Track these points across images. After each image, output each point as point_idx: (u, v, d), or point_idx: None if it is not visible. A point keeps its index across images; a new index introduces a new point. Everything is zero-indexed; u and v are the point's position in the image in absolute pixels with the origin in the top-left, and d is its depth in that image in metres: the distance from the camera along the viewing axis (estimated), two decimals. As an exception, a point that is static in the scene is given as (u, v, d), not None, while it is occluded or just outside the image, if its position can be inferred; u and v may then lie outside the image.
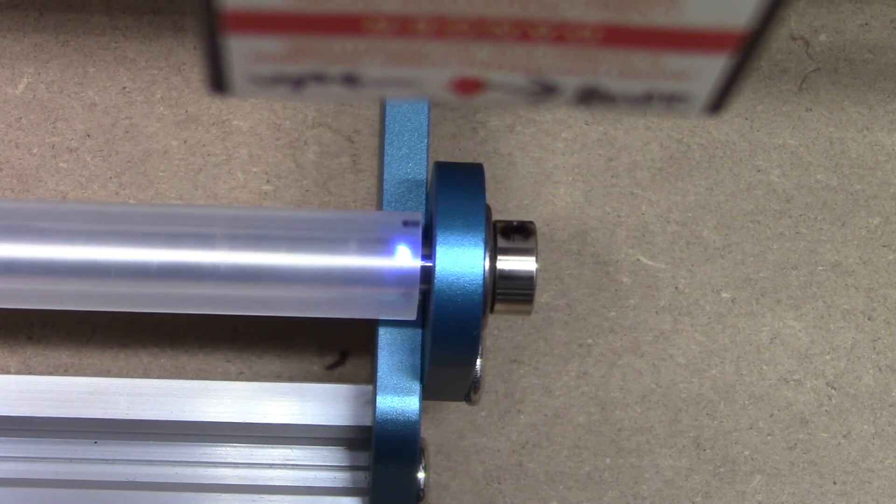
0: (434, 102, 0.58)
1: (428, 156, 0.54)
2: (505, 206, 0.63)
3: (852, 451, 0.62)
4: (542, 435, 0.61)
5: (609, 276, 0.63)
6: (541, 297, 0.62)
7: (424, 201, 0.53)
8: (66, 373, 0.60)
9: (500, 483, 0.61)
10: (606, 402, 0.62)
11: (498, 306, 0.50)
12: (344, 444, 0.57)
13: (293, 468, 0.57)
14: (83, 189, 0.62)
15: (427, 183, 0.53)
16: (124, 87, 0.63)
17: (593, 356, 0.62)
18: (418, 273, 0.50)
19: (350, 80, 0.32)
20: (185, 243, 0.50)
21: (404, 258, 0.50)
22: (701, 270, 0.63)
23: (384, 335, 0.52)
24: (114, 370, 0.61)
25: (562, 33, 0.30)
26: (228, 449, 0.57)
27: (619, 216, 0.63)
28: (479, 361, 0.52)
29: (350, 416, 0.55)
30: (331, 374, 0.61)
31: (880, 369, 0.63)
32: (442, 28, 0.30)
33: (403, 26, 0.30)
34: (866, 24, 0.66)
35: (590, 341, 0.62)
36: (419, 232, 0.50)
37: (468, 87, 0.33)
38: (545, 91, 0.33)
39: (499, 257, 0.49)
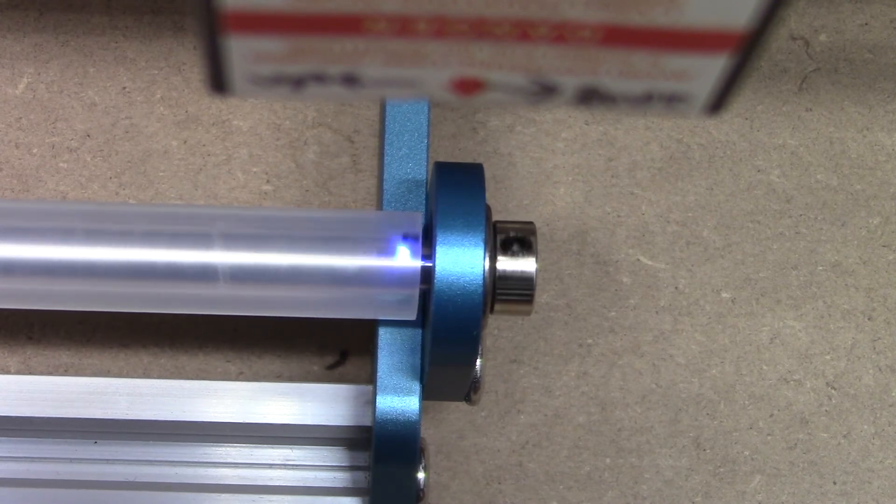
0: (434, 102, 0.58)
1: (428, 156, 0.54)
2: (505, 206, 0.63)
3: (852, 451, 0.62)
4: (542, 435, 0.61)
5: (609, 276, 0.63)
6: (541, 297, 0.62)
7: (424, 201, 0.53)
8: (66, 373, 0.60)
9: (500, 483, 0.61)
10: (606, 402, 0.62)
11: (498, 306, 0.50)
12: (344, 444, 0.57)
13: (293, 468, 0.57)
14: (83, 189, 0.62)
15: (427, 183, 0.53)
16: (124, 87, 0.63)
17: (593, 356, 0.62)
18: (418, 273, 0.50)
19: (350, 80, 0.32)
20: (185, 243, 0.50)
21: (404, 258, 0.50)
22: (701, 270, 0.63)
23: (384, 335, 0.52)
24: (114, 370, 0.61)
25: (562, 33, 0.30)
26: (228, 449, 0.57)
27: (619, 216, 0.63)
28: (479, 361, 0.52)
29: (350, 416, 0.55)
30: (331, 374, 0.61)
31: (880, 369, 0.63)
32: (442, 28, 0.30)
33: (403, 26, 0.30)
34: (866, 24, 0.66)
35: (590, 341, 0.62)
36: (419, 232, 0.50)
37: (468, 87, 0.33)
38: (545, 91, 0.33)
39: (499, 257, 0.49)
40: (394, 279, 0.50)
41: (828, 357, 0.63)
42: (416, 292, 0.50)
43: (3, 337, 0.61)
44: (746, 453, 0.62)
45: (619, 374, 0.62)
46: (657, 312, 0.63)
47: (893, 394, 0.63)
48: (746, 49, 0.30)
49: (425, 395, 0.52)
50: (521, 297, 0.50)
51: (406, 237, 0.50)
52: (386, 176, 0.53)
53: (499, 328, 0.62)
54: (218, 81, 0.32)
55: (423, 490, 0.54)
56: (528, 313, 0.51)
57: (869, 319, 0.63)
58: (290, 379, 0.61)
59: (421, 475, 0.54)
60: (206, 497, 0.55)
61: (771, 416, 0.62)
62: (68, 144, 0.63)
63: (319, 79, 0.32)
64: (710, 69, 0.31)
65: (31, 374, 0.60)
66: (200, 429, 0.56)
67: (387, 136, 0.53)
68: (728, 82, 0.32)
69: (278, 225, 0.51)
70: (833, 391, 0.62)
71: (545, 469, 0.61)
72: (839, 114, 0.65)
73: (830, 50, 0.66)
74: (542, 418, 0.61)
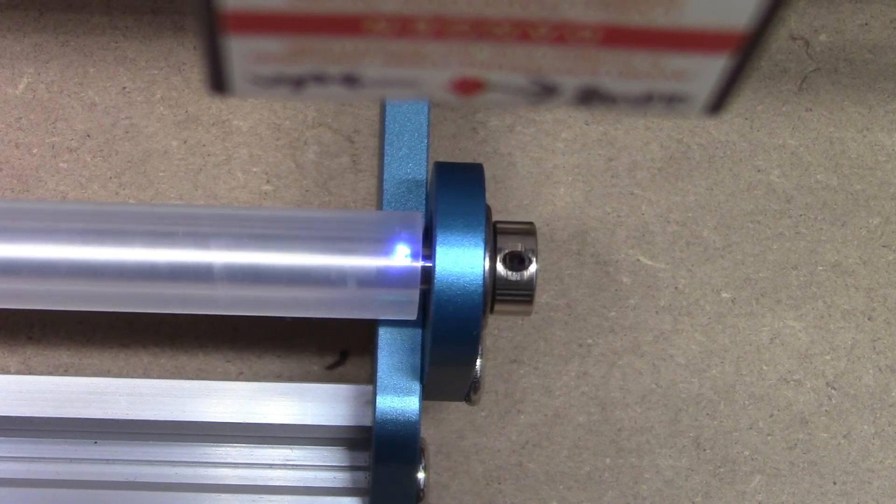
0: (434, 102, 0.58)
1: (428, 156, 0.54)
2: (505, 206, 0.63)
3: (852, 451, 0.62)
4: (542, 435, 0.61)
5: (609, 276, 0.63)
6: (541, 297, 0.62)
7: (424, 201, 0.53)
8: (66, 373, 0.60)
9: (500, 483, 0.61)
10: (606, 402, 0.62)
11: (498, 307, 0.50)
12: (344, 444, 0.57)
13: (293, 468, 0.57)
14: (83, 189, 0.62)
15: (427, 183, 0.53)
16: (124, 87, 0.63)
17: (593, 356, 0.62)
18: (418, 273, 0.50)
19: (350, 81, 0.32)
20: (185, 243, 0.50)
21: (404, 258, 0.50)
22: (701, 270, 0.63)
23: (384, 335, 0.52)
24: (114, 370, 0.61)
25: (562, 34, 0.30)
26: (228, 449, 0.57)
27: (619, 216, 0.63)
28: (479, 361, 0.52)
29: (350, 416, 0.55)
30: (331, 374, 0.61)
31: (880, 369, 0.63)
32: (442, 28, 0.30)
33: (403, 26, 0.30)
34: (866, 24, 0.66)
35: (590, 341, 0.62)
36: (419, 232, 0.50)
37: (468, 87, 0.33)
38: (545, 91, 0.33)
39: (499, 257, 0.49)
40: (394, 279, 0.50)
41: (828, 357, 0.63)
42: (417, 292, 0.50)
43: (3, 337, 0.61)
44: (746, 453, 0.62)
45: (619, 374, 0.62)
46: (657, 312, 0.63)
47: (893, 394, 0.63)
48: (746, 49, 0.30)
49: (425, 395, 0.52)
50: (521, 298, 0.50)
51: (406, 237, 0.50)
52: (386, 176, 0.53)
53: (499, 328, 0.62)
54: (218, 81, 0.32)
55: (423, 490, 0.54)
56: (528, 314, 0.51)
57: (869, 319, 0.63)
58: (290, 379, 0.61)
59: (421, 475, 0.54)
60: (206, 497, 0.55)
61: (771, 416, 0.62)
62: (68, 144, 0.63)
63: (319, 79, 0.32)
64: (710, 69, 0.31)
65: (31, 374, 0.60)
66: (200, 429, 0.56)
67: (387, 136, 0.53)
68: (728, 82, 0.32)
69: (278, 225, 0.51)
70: (833, 391, 0.62)
71: (545, 469, 0.61)
72: (839, 114, 0.65)
73: (830, 50, 0.66)
74: (542, 418, 0.61)
